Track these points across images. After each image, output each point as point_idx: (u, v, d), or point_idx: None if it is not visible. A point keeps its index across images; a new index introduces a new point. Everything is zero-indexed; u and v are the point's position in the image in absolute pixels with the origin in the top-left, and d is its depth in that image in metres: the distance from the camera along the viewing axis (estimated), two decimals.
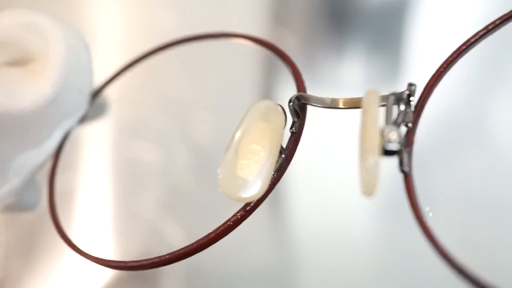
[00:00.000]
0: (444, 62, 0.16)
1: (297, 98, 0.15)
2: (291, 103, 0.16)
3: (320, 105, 0.15)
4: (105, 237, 0.27)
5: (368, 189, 0.12)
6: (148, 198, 0.28)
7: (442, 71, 0.15)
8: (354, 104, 0.15)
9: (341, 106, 0.15)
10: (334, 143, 0.30)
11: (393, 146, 0.13)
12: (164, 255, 0.15)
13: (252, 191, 0.14)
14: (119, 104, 0.32)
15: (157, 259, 0.15)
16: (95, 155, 0.29)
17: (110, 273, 0.26)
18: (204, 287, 0.26)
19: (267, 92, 0.33)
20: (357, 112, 0.14)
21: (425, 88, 0.15)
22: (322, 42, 0.35)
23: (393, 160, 0.13)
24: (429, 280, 0.25)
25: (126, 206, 0.28)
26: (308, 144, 0.30)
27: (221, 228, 0.15)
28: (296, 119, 0.16)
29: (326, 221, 0.27)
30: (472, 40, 0.16)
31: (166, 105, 0.31)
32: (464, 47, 0.16)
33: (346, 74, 0.33)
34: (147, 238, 0.27)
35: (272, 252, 0.28)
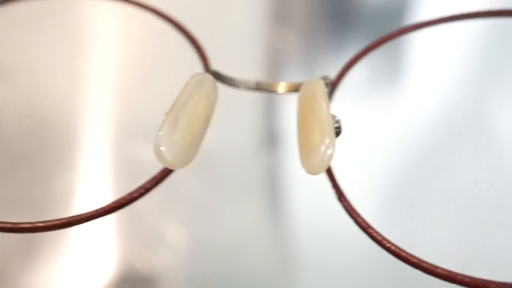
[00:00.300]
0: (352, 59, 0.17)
1: (214, 74, 0.16)
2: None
3: (235, 86, 0.16)
4: (105, 238, 0.27)
5: (319, 169, 0.13)
6: (149, 199, 0.28)
7: (348, 68, 0.17)
8: (292, 88, 0.15)
9: (276, 90, 0.16)
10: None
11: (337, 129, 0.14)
12: (63, 218, 0.14)
13: (181, 157, 0.14)
14: (119, 103, 0.32)
15: (57, 221, 0.14)
16: (95, 155, 0.29)
17: (110, 273, 0.26)
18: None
19: None
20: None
21: (335, 80, 0.17)
22: (323, 41, 0.35)
23: None
24: (429, 278, 0.25)
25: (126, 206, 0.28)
26: None
27: (132, 195, 0.15)
28: None
29: (326, 221, 0.27)
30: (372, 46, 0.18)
31: (166, 105, 0.31)
32: (362, 54, 0.18)
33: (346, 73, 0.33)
34: (148, 238, 0.27)
35: (272, 252, 0.28)
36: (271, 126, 0.32)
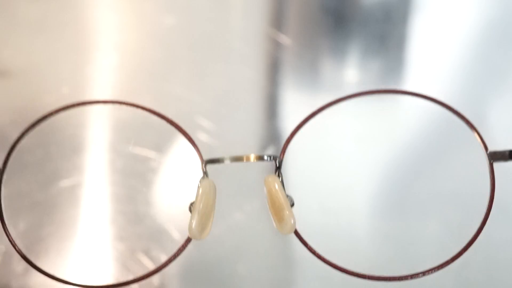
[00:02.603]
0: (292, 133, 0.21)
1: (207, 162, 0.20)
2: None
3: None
4: (106, 238, 0.27)
5: (290, 230, 0.20)
6: (149, 200, 0.28)
7: (289, 141, 0.21)
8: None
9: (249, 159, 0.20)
10: (333, 142, 0.30)
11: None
12: None
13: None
14: (123, 106, 0.32)
15: None
16: (96, 155, 0.29)
17: (111, 273, 0.26)
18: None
19: None
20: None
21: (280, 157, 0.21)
22: (322, 43, 0.35)
23: None
24: (429, 276, 0.25)
25: (127, 207, 0.28)
26: (307, 144, 0.30)
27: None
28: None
29: (326, 220, 0.27)
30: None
31: (166, 105, 0.31)
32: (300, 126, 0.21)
33: (346, 75, 0.33)
34: (149, 240, 0.27)
35: (271, 252, 0.28)
36: (272, 129, 0.32)
